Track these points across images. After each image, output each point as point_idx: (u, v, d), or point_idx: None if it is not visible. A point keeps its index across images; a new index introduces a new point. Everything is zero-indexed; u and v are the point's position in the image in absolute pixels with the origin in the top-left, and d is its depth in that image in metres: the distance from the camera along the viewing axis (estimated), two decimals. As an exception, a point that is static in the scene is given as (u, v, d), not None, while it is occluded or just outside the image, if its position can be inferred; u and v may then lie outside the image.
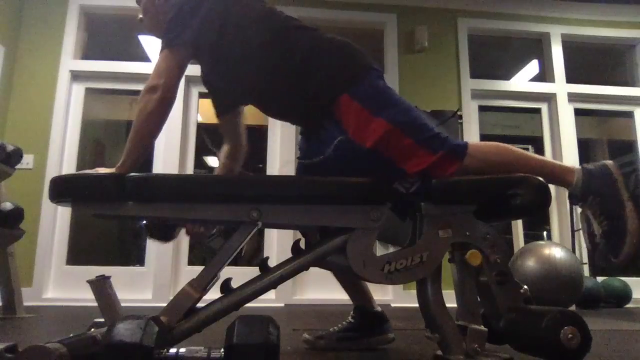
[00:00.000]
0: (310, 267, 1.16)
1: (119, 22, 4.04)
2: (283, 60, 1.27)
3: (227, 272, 1.05)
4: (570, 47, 4.34)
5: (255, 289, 1.09)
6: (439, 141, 1.20)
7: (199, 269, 1.13)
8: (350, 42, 1.33)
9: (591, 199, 1.23)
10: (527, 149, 3.80)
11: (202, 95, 3.96)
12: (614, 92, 4.28)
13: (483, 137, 4.13)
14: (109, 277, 1.13)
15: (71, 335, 1.02)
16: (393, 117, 1.19)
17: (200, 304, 1.07)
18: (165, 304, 1.06)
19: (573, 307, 3.01)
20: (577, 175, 1.24)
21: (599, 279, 3.55)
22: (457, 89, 4.08)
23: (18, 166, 2.46)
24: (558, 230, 4.00)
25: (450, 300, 1.14)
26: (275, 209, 1.11)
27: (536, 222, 4.40)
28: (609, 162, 1.25)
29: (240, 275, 1.26)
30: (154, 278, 3.55)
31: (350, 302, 1.59)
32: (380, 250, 1.23)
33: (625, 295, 3.51)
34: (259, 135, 3.91)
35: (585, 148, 4.45)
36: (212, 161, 4.64)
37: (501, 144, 1.28)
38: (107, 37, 4.15)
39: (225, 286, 1.09)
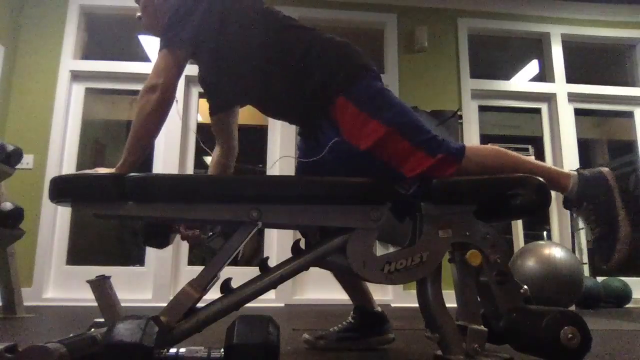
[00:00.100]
0: (310, 267, 1.16)
1: (119, 22, 4.03)
2: (281, 60, 1.27)
3: (227, 272, 1.05)
4: (570, 47, 4.34)
5: (255, 289, 1.09)
6: (436, 144, 1.19)
7: (199, 269, 1.13)
8: (349, 43, 1.32)
9: (585, 204, 1.24)
10: (527, 149, 3.79)
11: (202, 95, 3.95)
12: (614, 92, 4.28)
13: (483, 137, 4.13)
14: (109, 277, 1.13)
15: (71, 335, 1.02)
16: (389, 119, 1.18)
17: (200, 304, 1.07)
18: (165, 304, 1.06)
19: (573, 307, 3.01)
20: (573, 180, 1.25)
21: (599, 279, 3.55)
22: (457, 89, 4.08)
23: (18, 166, 2.45)
24: (558, 230, 4.00)
25: (450, 300, 1.14)
26: (275, 209, 1.11)
27: (536, 222, 4.40)
28: (605, 170, 1.26)
29: (240, 275, 1.26)
30: (154, 278, 3.55)
31: (350, 302, 1.59)
32: (380, 250, 1.23)
33: (625, 295, 3.51)
34: (259, 135, 3.90)
35: (585, 148, 4.45)
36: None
37: (497, 147, 1.28)
38: (107, 37, 4.15)
39: (225, 286, 1.09)
